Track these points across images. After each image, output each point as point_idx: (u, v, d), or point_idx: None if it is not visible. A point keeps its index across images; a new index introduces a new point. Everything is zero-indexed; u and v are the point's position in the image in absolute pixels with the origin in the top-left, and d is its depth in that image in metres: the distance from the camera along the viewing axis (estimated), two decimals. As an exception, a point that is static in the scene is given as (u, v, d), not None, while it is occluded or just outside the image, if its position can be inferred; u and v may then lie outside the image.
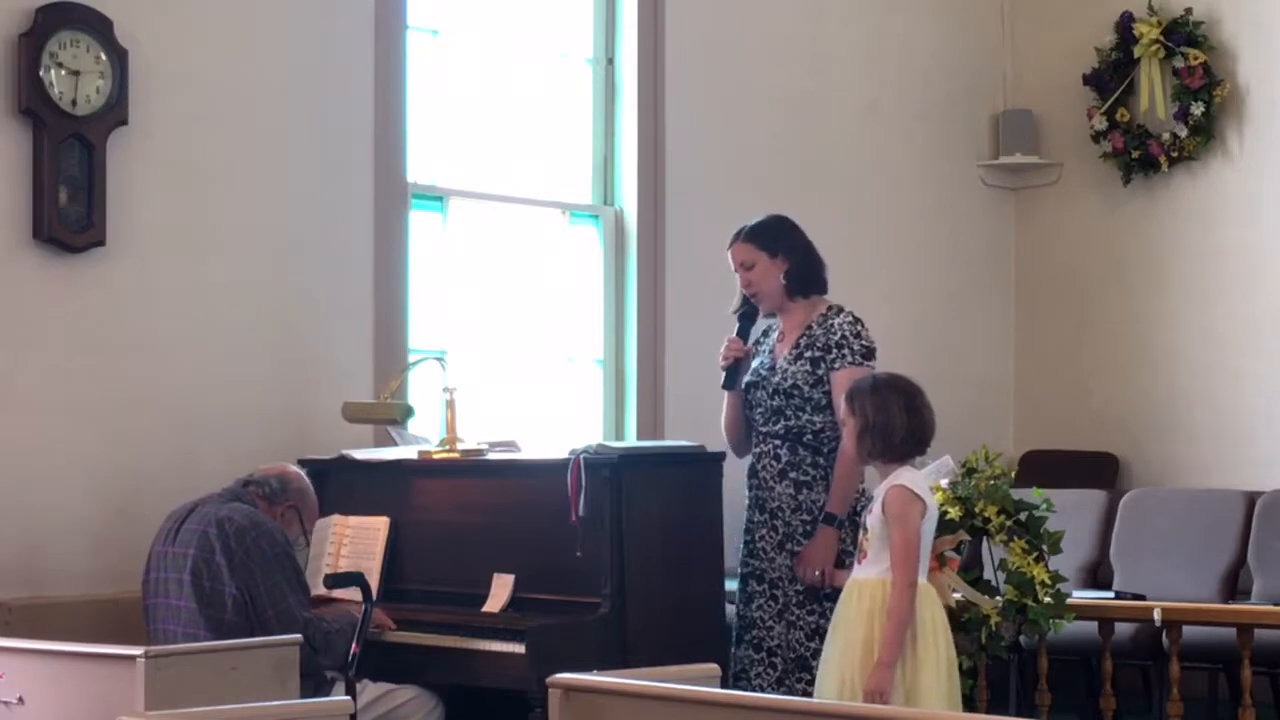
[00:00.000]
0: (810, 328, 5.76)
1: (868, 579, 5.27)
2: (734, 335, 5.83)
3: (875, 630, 5.19)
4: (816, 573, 5.60)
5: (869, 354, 5.72)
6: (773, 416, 5.74)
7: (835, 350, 5.69)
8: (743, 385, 5.82)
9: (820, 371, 5.68)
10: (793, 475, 5.71)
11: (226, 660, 4.76)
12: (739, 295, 5.86)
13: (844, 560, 5.59)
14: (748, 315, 5.85)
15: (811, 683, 5.53)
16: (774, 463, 5.73)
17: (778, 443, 5.73)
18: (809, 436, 5.71)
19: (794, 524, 5.69)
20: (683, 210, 7.92)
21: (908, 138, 8.89)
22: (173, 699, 4.44)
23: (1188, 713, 6.33)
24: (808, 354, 5.71)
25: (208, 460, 6.35)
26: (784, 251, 5.79)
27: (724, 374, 5.81)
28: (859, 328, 5.74)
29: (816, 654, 5.56)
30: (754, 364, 5.82)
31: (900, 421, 5.26)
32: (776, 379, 5.73)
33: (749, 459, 5.85)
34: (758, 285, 5.78)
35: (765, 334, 5.92)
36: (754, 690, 5.59)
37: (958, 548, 6.09)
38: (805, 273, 5.81)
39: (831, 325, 5.74)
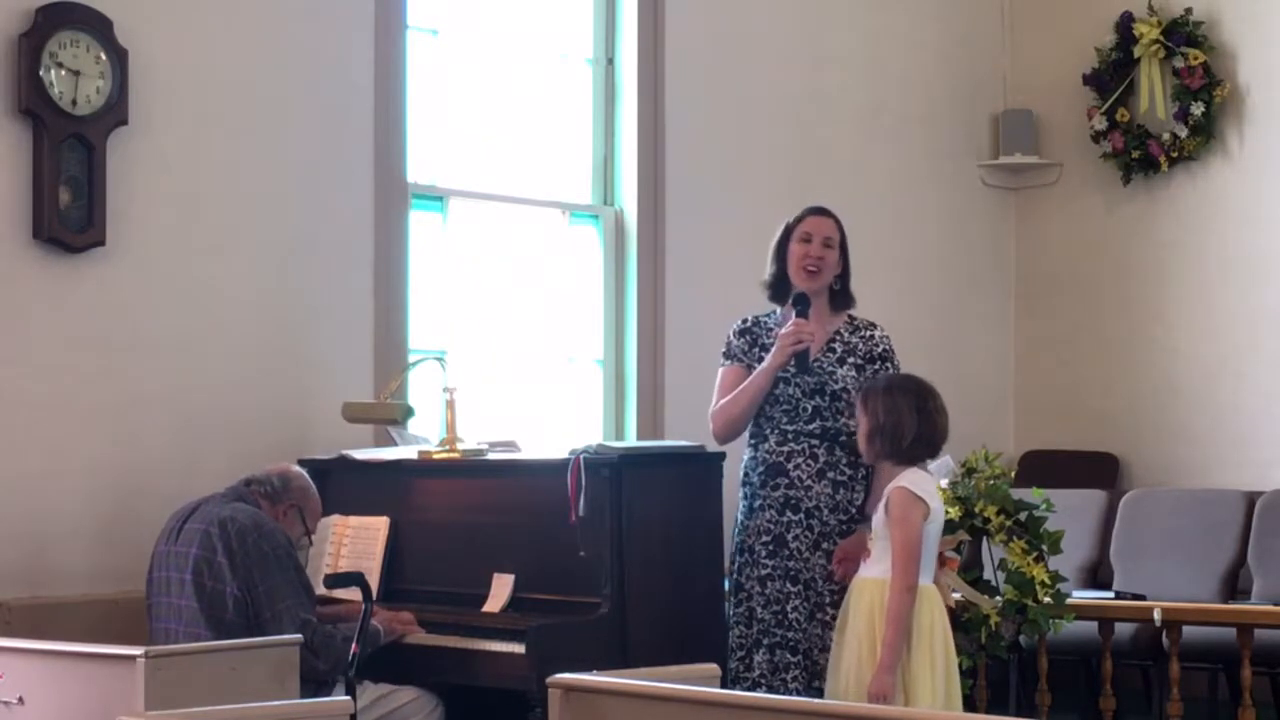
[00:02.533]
0: (840, 333, 5.75)
1: (870, 579, 5.28)
2: (797, 318, 5.65)
3: (875, 630, 5.20)
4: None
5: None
6: (810, 415, 5.67)
7: (880, 362, 5.71)
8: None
9: (862, 379, 5.65)
10: (831, 475, 5.65)
11: (226, 660, 4.76)
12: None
13: None
14: (804, 298, 5.70)
15: None
16: (811, 462, 5.65)
17: (814, 442, 5.66)
18: (845, 438, 5.65)
19: (831, 523, 5.62)
20: (683, 210, 7.92)
21: (908, 138, 8.89)
22: (173, 699, 4.44)
23: (1188, 713, 6.34)
24: (850, 359, 5.70)
25: (208, 460, 6.35)
26: (845, 258, 5.81)
27: (793, 359, 5.60)
28: (892, 344, 5.78)
29: None
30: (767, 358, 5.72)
31: (910, 424, 5.26)
32: (819, 379, 5.65)
33: (763, 457, 5.70)
34: (825, 265, 5.72)
35: (764, 326, 5.81)
36: (789, 694, 5.47)
37: (958, 548, 6.10)
38: (848, 289, 5.83)
39: (872, 338, 5.75)
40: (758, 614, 5.63)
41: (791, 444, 5.67)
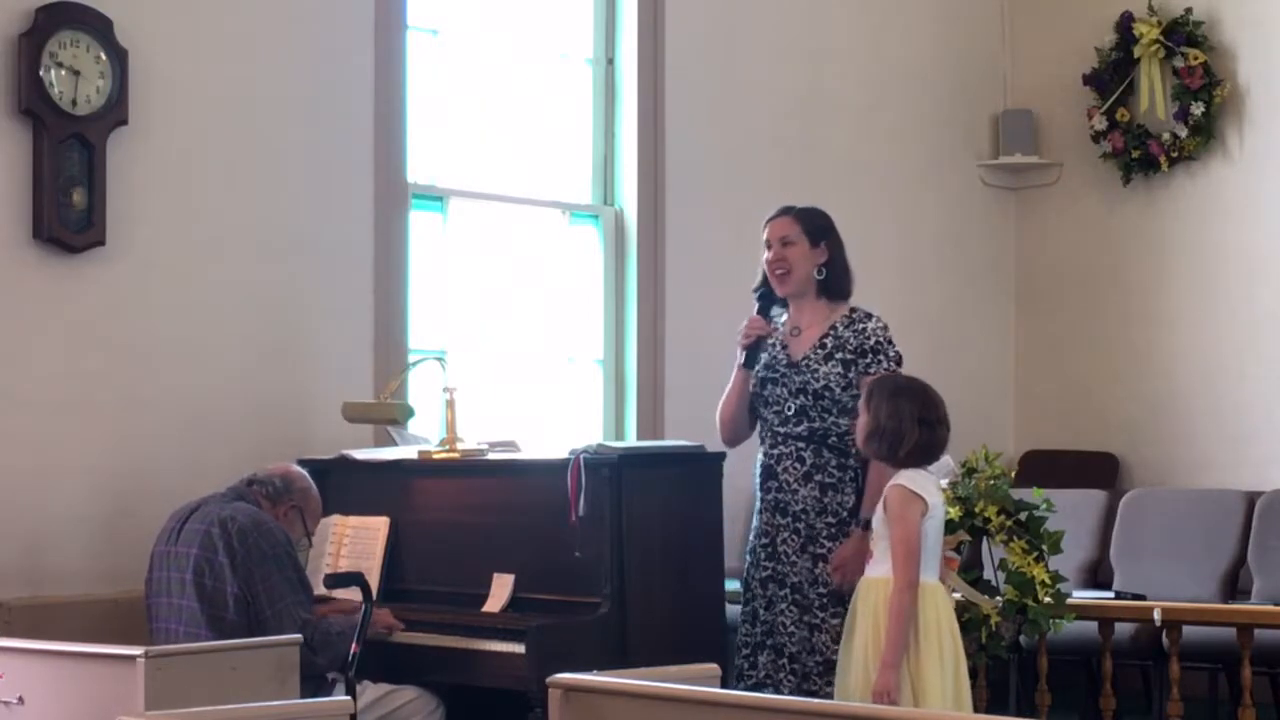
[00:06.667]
0: (835, 328, 5.68)
1: (874, 578, 5.28)
2: (755, 314, 5.71)
3: (881, 630, 5.20)
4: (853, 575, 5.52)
5: (900, 362, 5.66)
6: (795, 417, 5.65)
7: (871, 355, 5.63)
8: (758, 371, 5.71)
9: (851, 375, 5.61)
10: (818, 478, 5.62)
11: (226, 660, 4.76)
12: (761, 273, 5.76)
13: None
14: (769, 296, 5.74)
15: None
16: (798, 465, 5.64)
17: (801, 444, 5.64)
18: (834, 439, 5.62)
19: (818, 526, 5.60)
20: (683, 210, 7.92)
21: (908, 137, 8.89)
22: (173, 699, 4.44)
23: (1188, 713, 6.33)
24: (838, 355, 5.63)
25: (208, 460, 6.35)
26: (826, 244, 5.73)
27: (743, 353, 5.69)
28: (890, 334, 5.68)
29: None
30: (763, 358, 5.72)
31: (910, 433, 5.24)
32: (803, 378, 5.63)
33: (761, 459, 5.73)
34: (791, 264, 5.67)
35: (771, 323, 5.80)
36: (782, 694, 5.46)
37: (958, 548, 6.10)
38: (839, 275, 5.74)
39: (864, 329, 5.66)
40: (760, 614, 5.66)
41: (781, 447, 5.67)
